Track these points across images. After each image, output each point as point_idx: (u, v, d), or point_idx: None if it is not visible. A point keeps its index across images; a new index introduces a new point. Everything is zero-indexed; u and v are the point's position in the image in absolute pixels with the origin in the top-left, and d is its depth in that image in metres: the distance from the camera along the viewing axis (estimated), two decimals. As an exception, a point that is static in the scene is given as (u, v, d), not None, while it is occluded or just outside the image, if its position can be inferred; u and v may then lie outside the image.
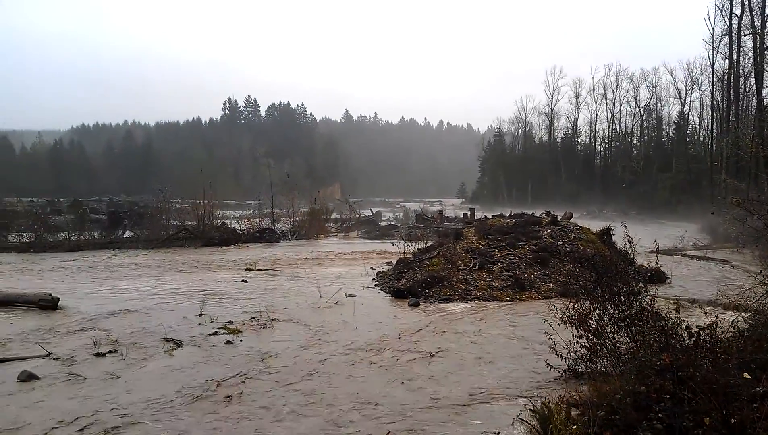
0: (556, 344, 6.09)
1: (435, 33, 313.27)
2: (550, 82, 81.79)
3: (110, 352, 7.67)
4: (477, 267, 12.84)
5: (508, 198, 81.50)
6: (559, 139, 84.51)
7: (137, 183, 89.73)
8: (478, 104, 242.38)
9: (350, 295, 11.92)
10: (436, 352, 7.78)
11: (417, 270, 13.36)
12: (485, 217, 20.16)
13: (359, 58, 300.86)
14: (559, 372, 6.30)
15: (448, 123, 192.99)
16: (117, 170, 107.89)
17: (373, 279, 14.31)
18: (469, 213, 34.11)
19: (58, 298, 10.59)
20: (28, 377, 6.56)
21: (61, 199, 38.50)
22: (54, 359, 7.33)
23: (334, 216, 36.47)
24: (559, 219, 16.57)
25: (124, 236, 24.55)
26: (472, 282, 12.32)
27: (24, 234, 22.26)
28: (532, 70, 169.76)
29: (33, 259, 18.74)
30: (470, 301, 11.50)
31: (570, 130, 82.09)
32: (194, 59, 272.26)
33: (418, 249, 15.88)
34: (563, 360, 6.19)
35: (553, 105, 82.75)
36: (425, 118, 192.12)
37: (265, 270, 16.21)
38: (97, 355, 7.54)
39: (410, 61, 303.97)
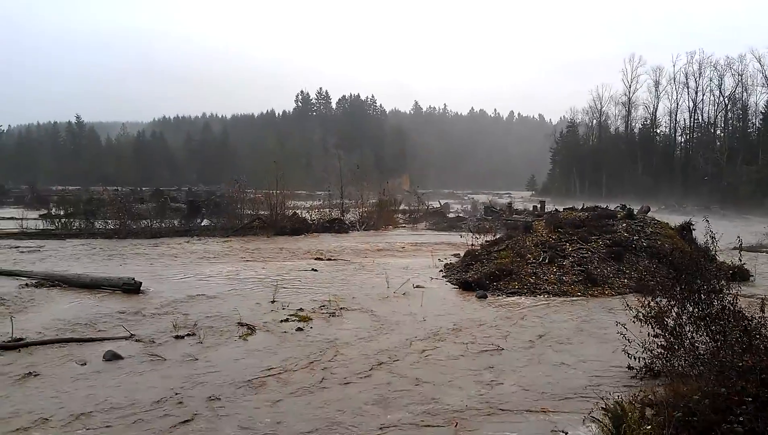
0: (630, 342, 5.93)
1: (506, 21, 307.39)
2: (628, 71, 78.77)
3: (188, 334, 8.04)
4: (547, 261, 12.60)
5: (580, 191, 79.19)
6: (636, 130, 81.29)
7: (214, 173, 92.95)
8: (550, 94, 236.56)
9: (418, 286, 11.97)
10: (504, 346, 7.72)
11: (485, 262, 13.25)
12: (556, 210, 19.71)
13: (429, 49, 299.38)
14: (633, 370, 6.13)
15: (519, 114, 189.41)
16: (195, 161, 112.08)
17: (441, 270, 14.30)
18: (538, 205, 33.37)
19: (141, 283, 11.17)
20: (112, 357, 6.97)
21: (144, 188, 40.47)
22: (136, 341, 7.75)
23: (402, 207, 36.58)
24: (635, 213, 16.00)
25: (202, 224, 25.52)
26: (541, 276, 12.11)
27: (109, 221, 23.50)
28: (605, 58, 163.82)
29: (117, 244, 19.80)
30: (539, 295, 11.31)
31: (648, 121, 78.81)
32: (269, 55, 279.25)
33: (486, 241, 15.73)
34: (638, 359, 6.01)
35: (630, 94, 79.71)
36: (495, 109, 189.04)
37: (334, 259, 16.50)
38: (177, 337, 7.93)
39: (480, 51, 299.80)
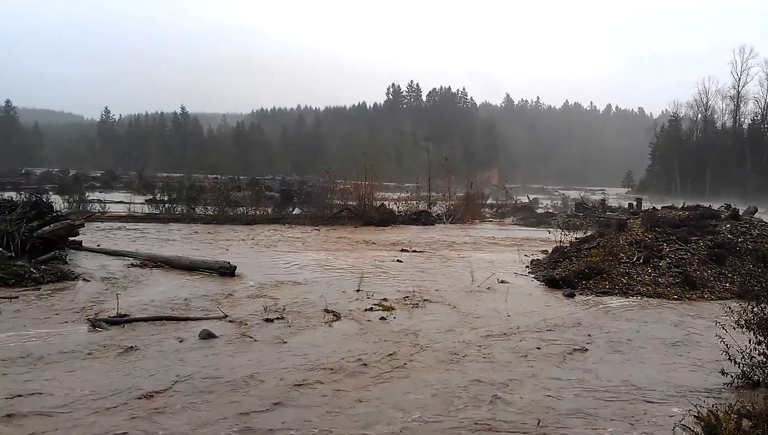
0: (729, 348, 5.60)
1: (604, 6, 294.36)
2: (738, 63, 73.45)
3: (278, 318, 8.37)
4: (641, 261, 12.06)
5: (681, 189, 74.76)
6: (745, 126, 75.68)
7: (307, 163, 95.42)
8: (651, 87, 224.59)
9: (503, 281, 11.81)
10: (590, 347, 7.50)
11: (574, 260, 12.87)
12: (654, 208, 18.76)
13: (523, 40, 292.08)
14: (731, 378, 5.79)
15: (616, 107, 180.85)
16: (290, 151, 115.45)
17: (527, 266, 14.04)
18: (635, 203, 31.95)
19: (236, 267, 11.73)
20: (207, 336, 7.38)
21: (241, 177, 42.16)
22: (230, 321, 8.16)
23: (489, 201, 36.09)
24: (740, 213, 14.97)
25: (293, 213, 26.36)
26: (634, 276, 11.60)
27: (209, 207, 24.79)
28: (714, 49, 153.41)
29: (215, 229, 20.85)
30: (631, 296, 10.85)
31: (759, 116, 73.13)
32: (362, 48, 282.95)
33: (576, 238, 15.26)
34: (737, 366, 5.68)
35: (740, 87, 74.32)
36: (591, 102, 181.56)
37: (419, 251, 16.57)
38: (267, 320, 8.28)
39: (575, 40, 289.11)
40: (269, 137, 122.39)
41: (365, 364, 6.47)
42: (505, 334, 8.00)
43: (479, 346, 7.33)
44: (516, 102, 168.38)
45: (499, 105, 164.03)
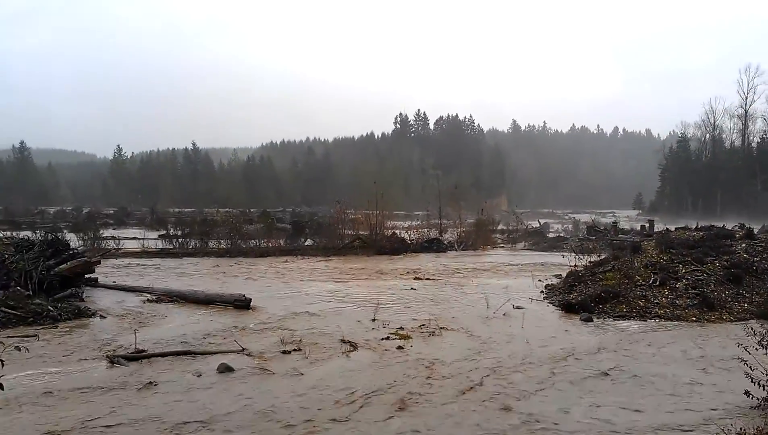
0: (753, 370, 5.55)
1: (606, 29, 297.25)
2: (744, 81, 73.49)
3: (295, 350, 8.37)
4: (658, 283, 11.98)
5: (692, 209, 74.25)
6: (755, 144, 75.43)
7: (317, 194, 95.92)
8: (657, 108, 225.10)
9: (518, 307, 11.76)
10: (612, 372, 7.42)
11: (589, 284, 12.81)
12: (666, 229, 18.70)
13: (528, 66, 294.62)
14: (756, 400, 5.71)
15: (623, 129, 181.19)
16: (299, 183, 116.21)
17: (542, 291, 13.97)
18: (647, 225, 31.80)
19: (251, 299, 11.76)
20: (225, 369, 7.37)
21: (252, 210, 42.44)
22: (247, 355, 8.15)
23: (500, 227, 36.06)
24: (755, 232, 14.87)
25: (305, 244, 26.46)
26: (651, 299, 11.52)
27: (221, 241, 24.95)
28: (719, 68, 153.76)
29: (229, 262, 20.94)
30: (649, 319, 10.75)
31: (768, 134, 72.95)
32: (369, 80, 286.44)
33: (590, 262, 15.19)
34: (761, 388, 5.61)
35: (747, 106, 74.26)
36: (598, 125, 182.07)
37: (433, 279, 16.55)
38: (284, 352, 8.27)
39: (578, 65, 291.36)
40: (279, 170, 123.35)
41: (386, 394, 6.44)
42: (524, 361, 7.94)
43: (499, 375, 7.28)
44: (523, 127, 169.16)
45: (506, 131, 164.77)
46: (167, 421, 5.61)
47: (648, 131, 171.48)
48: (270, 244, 25.45)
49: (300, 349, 8.37)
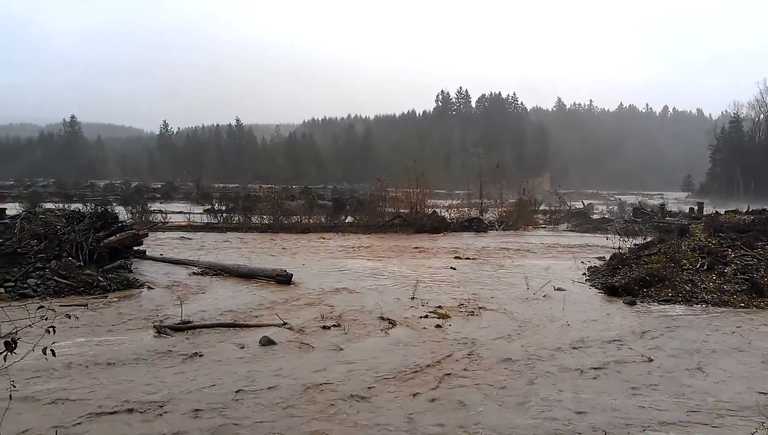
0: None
1: (655, 10, 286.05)
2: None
3: (334, 325, 8.48)
4: (705, 267, 11.65)
5: (744, 192, 71.74)
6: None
7: (358, 171, 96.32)
8: (708, 88, 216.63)
9: (559, 289, 11.62)
10: (656, 357, 7.29)
11: (633, 267, 12.54)
12: (716, 212, 18.13)
13: (576, 43, 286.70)
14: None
15: (673, 108, 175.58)
16: (340, 160, 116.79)
17: (584, 274, 13.76)
18: (695, 208, 30.88)
19: (292, 274, 11.95)
20: (267, 342, 7.54)
21: (294, 186, 42.97)
22: (288, 329, 8.31)
23: (542, 207, 35.54)
24: (812, 217, 14.28)
25: (346, 221, 26.64)
26: (698, 283, 11.22)
27: (264, 216, 25.34)
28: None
29: (271, 238, 21.27)
30: (695, 304, 10.49)
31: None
32: (411, 56, 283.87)
33: (635, 245, 14.86)
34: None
35: (804, 84, 70.72)
36: (647, 104, 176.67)
37: (473, 259, 16.48)
38: (324, 327, 8.40)
39: (628, 43, 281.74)
40: (320, 146, 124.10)
41: (423, 372, 6.49)
42: (564, 342, 7.87)
43: (538, 355, 7.24)
44: (568, 106, 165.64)
45: (550, 109, 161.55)
46: (212, 390, 5.78)
47: (699, 111, 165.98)
48: (311, 220, 25.72)
49: (339, 325, 8.48)
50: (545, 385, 6.15)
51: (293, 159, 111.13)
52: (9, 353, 3.42)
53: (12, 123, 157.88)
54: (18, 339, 3.50)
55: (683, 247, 12.65)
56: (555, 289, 11.57)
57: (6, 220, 12.82)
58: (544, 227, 29.83)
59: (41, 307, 3.73)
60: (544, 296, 10.98)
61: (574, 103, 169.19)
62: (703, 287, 11.08)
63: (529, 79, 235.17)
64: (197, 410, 5.27)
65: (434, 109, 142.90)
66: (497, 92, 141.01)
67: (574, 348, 7.62)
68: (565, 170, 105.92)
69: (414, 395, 5.79)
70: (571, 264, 15.12)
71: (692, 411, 5.52)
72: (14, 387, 4.04)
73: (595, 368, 6.79)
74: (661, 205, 36.41)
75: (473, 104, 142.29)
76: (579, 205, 39.02)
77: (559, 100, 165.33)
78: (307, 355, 7.14)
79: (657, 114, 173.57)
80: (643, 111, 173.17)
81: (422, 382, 6.20)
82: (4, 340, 3.46)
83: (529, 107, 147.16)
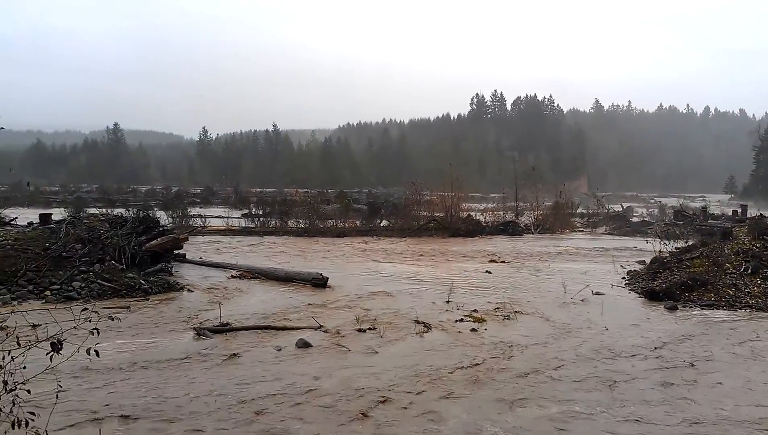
0: None
1: (696, 10, 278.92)
2: None
3: (370, 328, 8.52)
4: (749, 271, 11.32)
5: (790, 194, 69.19)
6: None
7: (392, 175, 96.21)
8: (752, 86, 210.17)
9: (597, 293, 11.43)
10: (698, 363, 7.12)
11: (674, 271, 12.26)
12: (761, 214, 17.58)
13: (612, 44, 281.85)
14: None
15: (715, 109, 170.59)
16: (375, 164, 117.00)
17: (623, 278, 13.50)
18: (739, 210, 29.94)
19: (327, 278, 12.05)
20: (303, 345, 7.63)
21: (330, 191, 43.25)
22: (324, 331, 8.38)
23: (579, 210, 35.00)
24: None
25: (381, 225, 26.70)
26: (742, 288, 10.90)
27: (300, 220, 25.61)
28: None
29: (307, 242, 21.48)
30: (739, 309, 10.19)
31: None
32: (445, 62, 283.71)
33: (676, 248, 14.51)
34: None
35: None
36: (687, 105, 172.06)
37: (508, 262, 16.34)
38: (359, 330, 8.45)
39: (667, 42, 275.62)
40: (355, 151, 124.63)
41: (458, 375, 6.47)
42: (603, 348, 7.74)
43: (577, 361, 7.14)
44: (606, 107, 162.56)
45: (587, 111, 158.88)
46: (250, 391, 5.88)
47: (742, 111, 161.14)
48: (346, 224, 25.86)
49: (374, 328, 8.52)
50: (584, 391, 6.06)
51: (328, 163, 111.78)
52: (55, 353, 3.55)
53: (57, 130, 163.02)
54: (64, 340, 3.63)
55: (726, 251, 12.32)
56: (593, 294, 11.38)
57: (52, 225, 13.22)
58: (582, 230, 29.38)
59: (85, 309, 3.84)
60: (582, 301, 10.81)
61: (612, 105, 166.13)
62: (747, 292, 10.77)
63: (565, 80, 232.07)
64: (234, 411, 5.37)
65: (469, 112, 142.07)
66: (533, 94, 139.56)
67: (613, 353, 7.49)
68: (603, 173, 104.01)
69: (448, 398, 5.78)
70: (609, 268, 14.85)
71: (735, 418, 5.37)
72: (60, 386, 4.17)
73: (633, 373, 6.66)
74: (703, 207, 35.43)
75: (509, 107, 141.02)
76: (618, 207, 38.27)
77: (597, 101, 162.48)
78: (343, 357, 7.20)
79: (698, 114, 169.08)
80: (684, 111, 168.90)
81: (456, 385, 6.18)
82: (50, 341, 3.59)
83: (565, 109, 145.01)
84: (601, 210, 33.78)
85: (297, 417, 5.27)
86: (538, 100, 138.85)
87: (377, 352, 7.39)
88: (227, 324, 8.60)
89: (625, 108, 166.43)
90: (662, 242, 14.92)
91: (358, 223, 26.48)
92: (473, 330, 8.54)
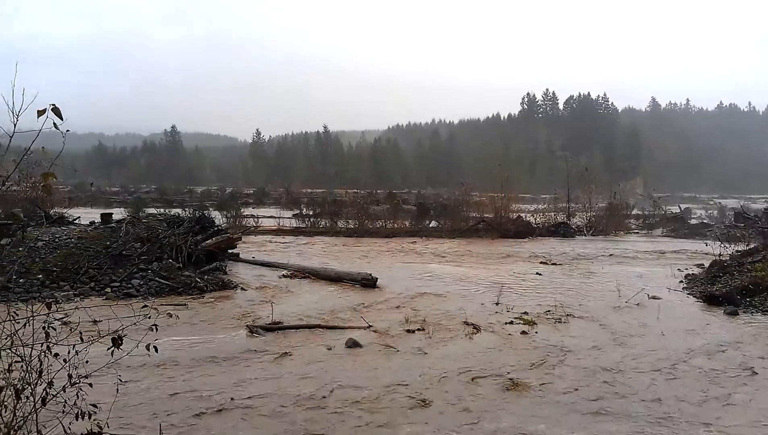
0: None
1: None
2: None
3: (418, 329, 8.54)
4: (818, 277, 10.78)
5: None
6: None
7: (441, 176, 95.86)
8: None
9: (653, 297, 11.11)
10: (760, 371, 6.83)
11: (735, 275, 11.80)
12: (832, 217, 16.69)
13: (669, 40, 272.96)
14: None
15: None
16: (424, 165, 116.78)
17: (681, 281, 13.08)
18: (808, 212, 28.51)
19: (377, 278, 12.12)
20: (353, 344, 7.71)
21: (379, 191, 43.39)
22: (373, 331, 8.45)
23: (635, 212, 34.06)
24: None
25: (430, 226, 26.67)
26: (810, 294, 10.39)
27: (350, 220, 25.85)
28: None
29: (356, 242, 21.66)
30: (807, 316, 9.73)
31: None
32: (494, 61, 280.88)
33: (737, 251, 13.97)
34: None
35: None
36: (749, 103, 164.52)
37: (560, 264, 16.07)
38: (408, 331, 8.47)
39: (727, 37, 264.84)
40: (404, 151, 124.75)
41: (511, 379, 6.41)
42: (660, 353, 7.52)
43: (633, 366, 6.96)
44: (663, 105, 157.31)
45: (643, 109, 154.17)
46: (300, 389, 5.98)
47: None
48: (395, 225, 25.95)
49: (423, 329, 8.53)
50: (641, 396, 5.91)
51: (378, 164, 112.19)
52: (116, 349, 3.70)
53: (118, 133, 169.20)
54: (124, 336, 3.78)
55: (793, 255, 11.77)
56: (649, 298, 11.07)
57: (113, 225, 13.77)
58: (637, 232, 28.59)
59: (145, 306, 3.99)
60: (637, 305, 10.53)
61: (670, 103, 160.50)
62: (815, 298, 10.26)
63: (618, 80, 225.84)
64: (285, 407, 5.48)
65: (519, 112, 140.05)
66: (586, 93, 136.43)
67: (670, 359, 7.27)
68: (660, 173, 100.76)
69: (502, 400, 5.75)
70: (666, 271, 14.41)
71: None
72: (121, 381, 4.34)
73: (690, 377, 6.46)
74: (765, 209, 33.84)
75: (561, 106, 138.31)
76: (675, 209, 37.05)
77: (653, 99, 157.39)
78: (392, 357, 7.24)
79: (760, 113, 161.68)
80: (746, 110, 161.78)
81: (503, 388, 6.13)
82: (111, 337, 3.75)
83: (620, 108, 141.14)
84: (657, 211, 32.81)
85: (344, 415, 5.34)
86: (591, 98, 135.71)
87: (426, 353, 7.39)
88: (279, 322, 8.77)
89: (683, 106, 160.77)
90: (722, 245, 14.38)
91: (407, 223, 26.53)
92: (524, 333, 8.44)
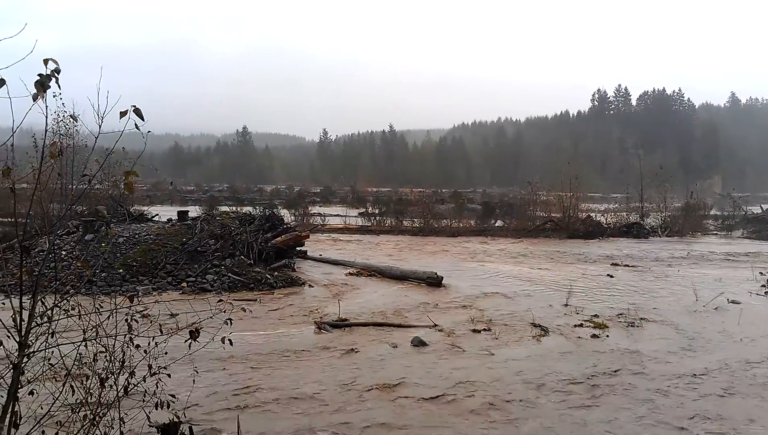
0: None
1: None
2: None
3: (484, 329, 8.49)
4: None
5: None
6: None
7: (507, 175, 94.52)
8: None
9: (733, 302, 10.59)
10: None
11: (826, 280, 11.10)
12: None
13: (751, 31, 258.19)
14: None
15: None
16: (490, 163, 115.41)
17: (763, 285, 12.40)
18: None
19: (442, 277, 12.11)
20: (419, 343, 7.74)
21: (444, 190, 43.25)
22: (439, 330, 8.46)
23: (713, 212, 32.51)
24: None
25: (496, 225, 26.38)
26: None
27: (415, 219, 25.91)
28: None
29: (421, 241, 21.68)
30: None
31: None
32: (564, 57, 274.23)
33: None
34: None
35: None
36: None
37: (632, 266, 15.55)
38: (474, 331, 8.44)
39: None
40: (470, 150, 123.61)
41: (578, 382, 6.27)
42: (742, 361, 7.17)
43: (713, 376, 6.63)
44: (743, 101, 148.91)
45: (722, 105, 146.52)
46: (368, 385, 6.07)
47: None
48: (461, 224, 25.82)
49: (489, 329, 8.47)
50: (732, 407, 5.68)
51: (443, 163, 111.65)
52: (193, 341, 3.85)
53: (193, 133, 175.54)
54: (200, 329, 3.93)
55: None
56: (729, 302, 10.58)
57: (188, 222, 14.33)
58: (715, 234, 27.29)
59: (220, 300, 4.14)
60: (716, 309, 10.08)
61: (750, 98, 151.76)
62: None
63: (696, 75, 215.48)
64: (347, 404, 5.57)
65: (589, 109, 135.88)
66: (661, 88, 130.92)
67: (753, 367, 6.92)
68: (740, 172, 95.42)
69: (566, 406, 5.65)
70: (747, 274, 13.70)
71: None
72: (197, 372, 4.52)
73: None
74: None
75: (633, 102, 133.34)
76: (757, 209, 35.09)
77: (733, 94, 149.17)
78: (458, 357, 7.23)
79: None
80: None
81: (574, 393, 6.01)
82: (189, 330, 3.91)
83: (697, 104, 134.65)
84: (737, 212, 31.20)
85: (410, 413, 5.39)
86: (666, 94, 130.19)
87: (493, 354, 7.33)
88: (345, 319, 8.92)
89: (765, 101, 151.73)
90: (811, 248, 13.54)
91: (472, 222, 26.36)
92: (594, 336, 8.24)
